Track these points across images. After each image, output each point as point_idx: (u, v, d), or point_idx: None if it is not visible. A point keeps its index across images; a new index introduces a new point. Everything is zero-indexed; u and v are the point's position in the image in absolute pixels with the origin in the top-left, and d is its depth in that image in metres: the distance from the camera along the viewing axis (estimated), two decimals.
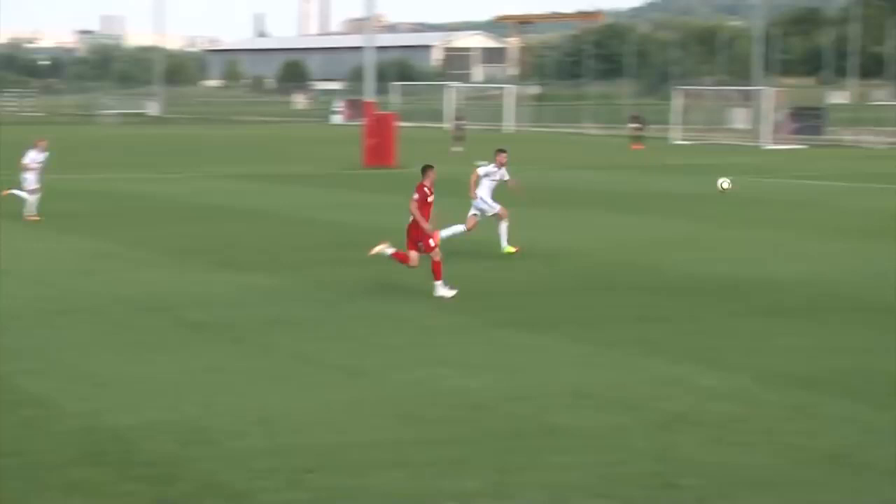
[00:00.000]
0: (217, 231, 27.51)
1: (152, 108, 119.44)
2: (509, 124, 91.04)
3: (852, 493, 9.64)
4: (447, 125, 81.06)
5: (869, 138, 73.09)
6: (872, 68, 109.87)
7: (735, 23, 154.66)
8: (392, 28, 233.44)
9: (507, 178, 23.73)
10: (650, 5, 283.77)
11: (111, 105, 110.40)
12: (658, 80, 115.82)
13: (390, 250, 19.23)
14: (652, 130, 71.54)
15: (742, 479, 9.91)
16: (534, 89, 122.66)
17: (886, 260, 22.84)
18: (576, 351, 14.87)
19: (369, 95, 52.65)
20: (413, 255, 19.06)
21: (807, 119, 76.07)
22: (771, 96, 73.59)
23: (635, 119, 68.42)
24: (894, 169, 50.09)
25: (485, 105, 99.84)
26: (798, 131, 73.83)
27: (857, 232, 27.48)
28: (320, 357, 14.51)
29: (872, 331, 16.12)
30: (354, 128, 69.12)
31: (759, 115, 73.66)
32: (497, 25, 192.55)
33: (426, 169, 19.45)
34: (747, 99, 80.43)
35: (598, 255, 23.38)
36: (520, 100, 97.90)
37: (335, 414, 11.89)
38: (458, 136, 62.91)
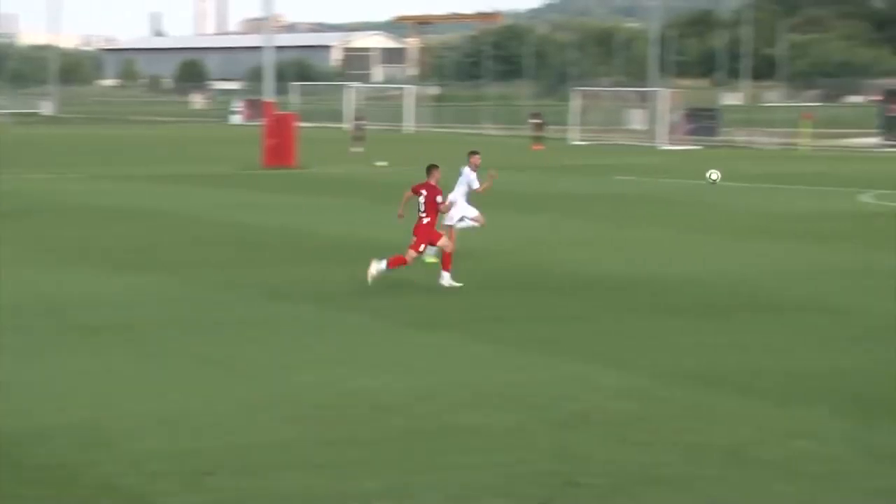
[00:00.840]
0: (113, 232, 27.14)
1: (46, 108, 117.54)
2: (409, 125, 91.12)
3: (747, 488, 9.79)
4: (347, 125, 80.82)
5: (761, 139, 74.26)
6: (764, 70, 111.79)
7: (632, 24, 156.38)
8: (291, 28, 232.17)
9: (475, 185, 22.68)
10: (548, 6, 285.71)
11: (3, 104, 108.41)
12: (556, 80, 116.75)
13: (383, 264, 18.93)
14: (551, 131, 72.03)
15: (642, 477, 10.01)
16: (433, 90, 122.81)
17: (776, 259, 23.23)
18: (477, 350, 14.92)
19: (268, 95, 52.33)
20: (411, 253, 19.11)
21: (701, 120, 77.04)
22: (667, 97, 74.46)
23: (536, 116, 69.13)
24: (785, 169, 50.97)
25: (384, 105, 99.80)
26: (693, 132, 74.74)
27: (749, 231, 27.91)
28: (219, 358, 14.38)
29: (765, 329, 16.39)
30: (254, 128, 68.66)
31: (655, 115, 74.49)
32: (396, 26, 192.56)
33: (431, 168, 19.47)
34: (644, 100, 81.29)
35: (499, 255, 23.46)
36: (419, 100, 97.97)
37: (234, 415, 11.80)
38: (358, 137, 62.79)
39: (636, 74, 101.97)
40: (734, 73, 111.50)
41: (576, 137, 75.33)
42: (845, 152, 66.44)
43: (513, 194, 38.08)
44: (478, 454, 10.57)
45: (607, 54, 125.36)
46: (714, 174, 30.82)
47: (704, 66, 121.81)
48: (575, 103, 78.99)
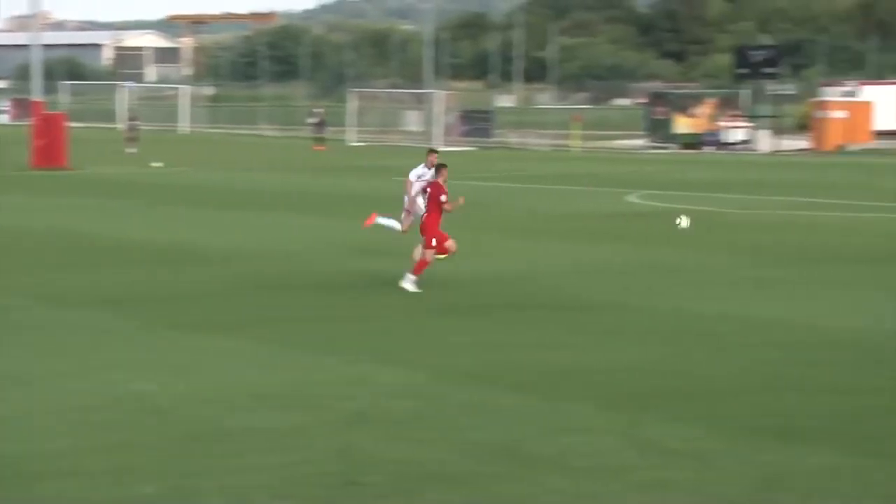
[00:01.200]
0: None
1: None
2: (184, 125, 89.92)
3: (523, 483, 10.01)
4: (120, 126, 79.28)
5: (534, 140, 75.83)
6: (536, 73, 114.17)
7: (406, 27, 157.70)
8: (59, 25, 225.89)
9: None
10: (323, 7, 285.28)
11: None
12: (333, 82, 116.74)
13: (410, 280, 19.10)
14: (329, 132, 72.16)
15: (422, 475, 10.15)
16: (208, 90, 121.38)
17: (552, 258, 23.77)
18: (256, 352, 14.85)
19: (37, 95, 50.90)
20: (428, 253, 19.22)
21: (476, 121, 78.23)
22: (442, 99, 75.36)
23: (316, 115, 70.17)
24: (557, 170, 52.20)
25: (159, 105, 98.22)
26: (468, 133, 75.84)
27: (524, 231, 28.51)
28: None
29: (539, 326, 16.77)
30: (22, 128, 66.65)
31: (431, 117, 75.27)
32: (169, 25, 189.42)
33: (440, 167, 19.78)
34: (420, 101, 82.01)
35: (277, 257, 23.38)
36: (195, 100, 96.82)
37: (5, 424, 11.48)
38: (132, 137, 61.63)
39: (412, 76, 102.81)
40: (507, 76, 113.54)
41: (353, 139, 75.53)
42: (613, 153, 68.41)
43: (299, 195, 38.01)
44: (258, 456, 10.54)
45: (383, 56, 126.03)
46: (684, 221, 28.10)
47: (478, 69, 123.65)
48: (352, 104, 79.21)
